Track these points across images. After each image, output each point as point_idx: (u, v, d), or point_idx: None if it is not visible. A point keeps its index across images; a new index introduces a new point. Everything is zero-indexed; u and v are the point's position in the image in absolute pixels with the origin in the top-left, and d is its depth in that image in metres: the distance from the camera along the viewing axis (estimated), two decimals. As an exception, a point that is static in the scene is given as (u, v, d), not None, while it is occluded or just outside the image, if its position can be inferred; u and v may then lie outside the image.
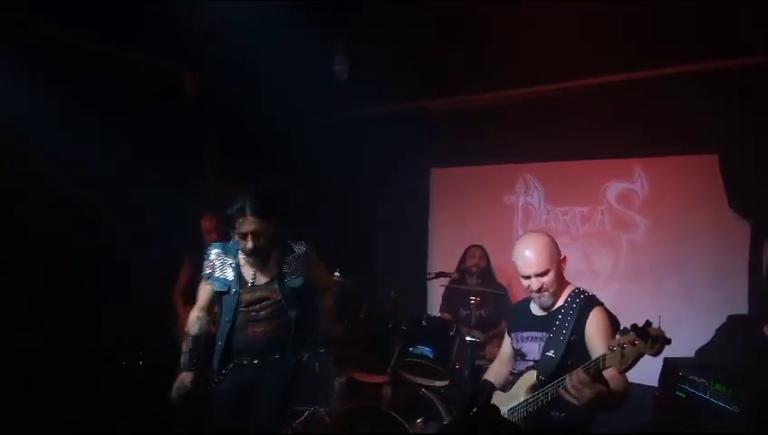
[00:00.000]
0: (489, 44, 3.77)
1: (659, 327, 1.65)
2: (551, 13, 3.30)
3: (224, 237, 4.00)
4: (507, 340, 2.49)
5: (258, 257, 2.67)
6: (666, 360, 3.51)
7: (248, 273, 2.73)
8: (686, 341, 3.66)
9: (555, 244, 2.26)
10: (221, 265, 2.75)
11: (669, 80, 4.03)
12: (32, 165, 3.43)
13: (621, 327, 1.85)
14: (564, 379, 1.89)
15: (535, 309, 2.32)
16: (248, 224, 2.54)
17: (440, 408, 3.44)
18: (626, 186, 4.56)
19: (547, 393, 2.01)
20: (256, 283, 2.73)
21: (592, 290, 2.27)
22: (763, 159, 3.76)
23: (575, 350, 2.09)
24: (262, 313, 2.70)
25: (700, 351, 3.43)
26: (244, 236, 2.57)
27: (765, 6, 3.04)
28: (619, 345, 1.71)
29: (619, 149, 4.50)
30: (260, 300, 2.71)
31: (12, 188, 3.44)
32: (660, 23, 3.40)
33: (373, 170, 5.49)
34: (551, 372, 2.06)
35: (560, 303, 2.22)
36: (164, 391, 2.68)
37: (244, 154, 4.86)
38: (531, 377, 2.17)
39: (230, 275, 2.73)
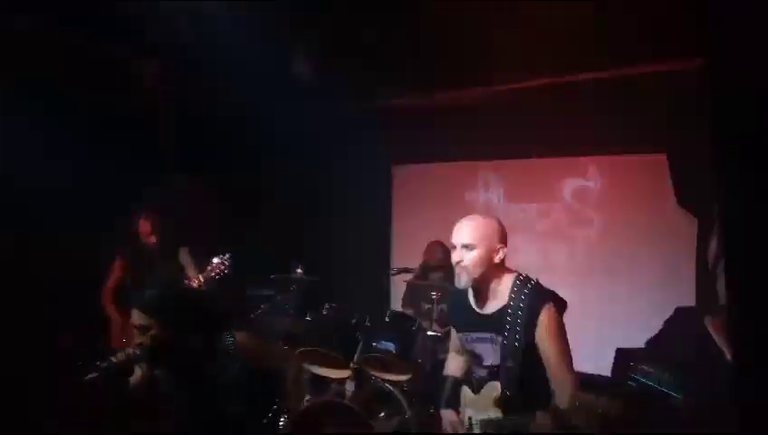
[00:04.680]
0: (448, 44, 3.81)
1: None
2: (506, 13, 3.35)
3: (162, 241, 3.66)
4: (455, 334, 2.35)
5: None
6: (618, 350, 3.65)
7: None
8: (638, 332, 3.84)
9: (499, 230, 2.11)
10: None
11: (619, 81, 4.15)
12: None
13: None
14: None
15: (476, 305, 2.14)
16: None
17: (402, 402, 3.48)
18: (581, 182, 4.70)
19: (517, 425, 1.94)
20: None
21: (552, 285, 2.13)
22: (708, 158, 3.93)
23: (530, 354, 1.98)
24: None
25: (649, 341, 3.58)
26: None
27: (706, 10, 3.17)
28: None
29: (576, 147, 4.63)
30: None
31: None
32: (610, 24, 3.48)
33: (335, 167, 5.46)
34: (516, 386, 1.99)
35: (504, 300, 2.06)
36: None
37: (201, 149, 4.74)
38: (495, 388, 2.05)
39: None
